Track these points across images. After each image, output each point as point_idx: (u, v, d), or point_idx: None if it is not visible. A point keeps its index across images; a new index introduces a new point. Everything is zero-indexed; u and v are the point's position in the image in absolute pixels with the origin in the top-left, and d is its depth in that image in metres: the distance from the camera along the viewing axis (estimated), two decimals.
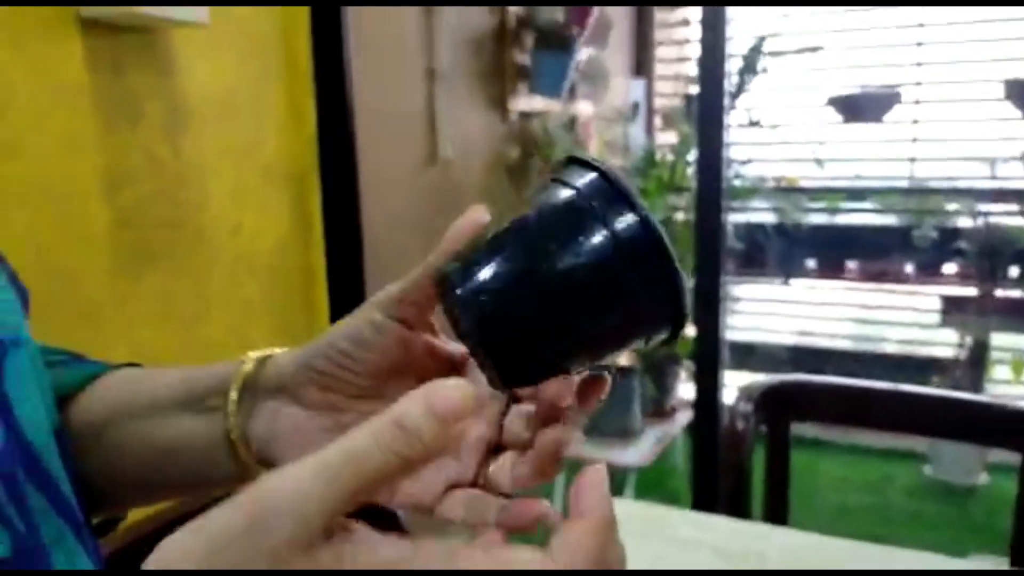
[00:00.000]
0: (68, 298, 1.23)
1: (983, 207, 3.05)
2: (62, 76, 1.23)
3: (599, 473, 0.30)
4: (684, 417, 2.93)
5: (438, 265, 0.35)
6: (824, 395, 1.29)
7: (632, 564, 0.31)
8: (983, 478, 2.94)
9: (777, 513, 1.17)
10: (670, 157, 2.92)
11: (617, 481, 2.48)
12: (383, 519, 0.50)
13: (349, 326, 0.41)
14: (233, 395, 0.43)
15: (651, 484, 2.74)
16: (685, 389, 3.08)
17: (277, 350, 0.45)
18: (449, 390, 0.27)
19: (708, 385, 1.75)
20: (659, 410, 2.97)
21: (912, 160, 3.19)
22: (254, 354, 0.44)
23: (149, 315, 1.40)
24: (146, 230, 1.39)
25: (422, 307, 0.40)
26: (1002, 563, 1.83)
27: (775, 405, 1.24)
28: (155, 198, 1.41)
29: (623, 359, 3.12)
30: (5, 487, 0.35)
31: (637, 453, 2.54)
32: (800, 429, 1.24)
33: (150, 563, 0.26)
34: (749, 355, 3.57)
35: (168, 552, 0.26)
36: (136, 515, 0.70)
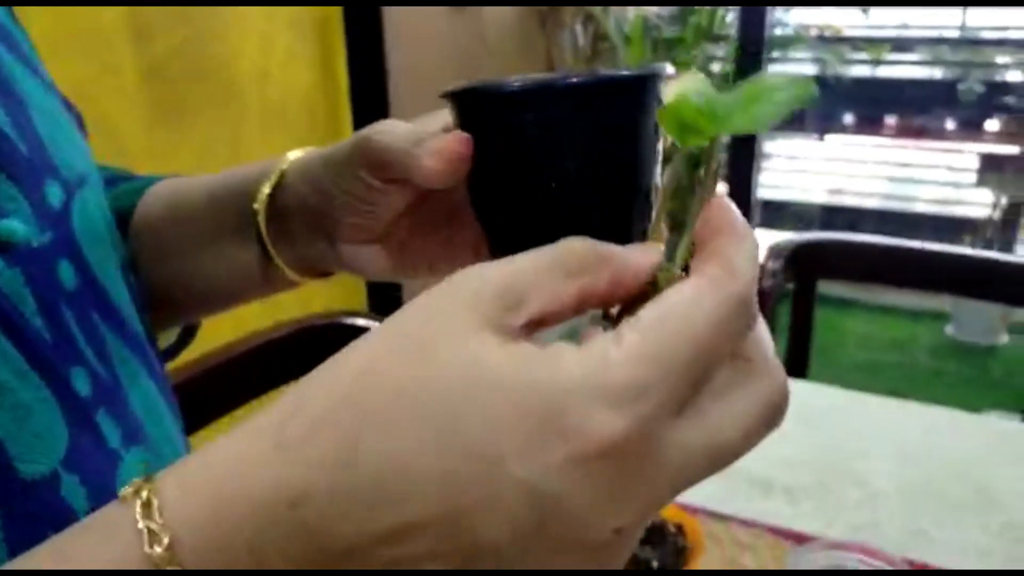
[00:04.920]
0: (107, 148, 1.24)
1: None
2: None
3: (725, 199, 0.26)
4: None
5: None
6: (851, 253, 1.30)
7: None
8: (1004, 338, 2.97)
9: (799, 369, 1.20)
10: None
11: None
12: None
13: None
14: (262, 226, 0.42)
15: None
16: None
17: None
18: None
19: None
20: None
21: (964, 7, 3.01)
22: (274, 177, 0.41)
23: (185, 165, 1.41)
24: (177, 79, 1.38)
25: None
26: (1014, 418, 1.89)
27: (803, 263, 1.25)
28: (184, 48, 1.38)
29: None
30: (81, 328, 0.36)
31: None
32: (826, 287, 1.25)
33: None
34: (779, 213, 3.54)
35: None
36: (203, 348, 0.73)
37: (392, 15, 1.77)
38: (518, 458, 0.21)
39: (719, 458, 0.23)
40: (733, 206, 0.26)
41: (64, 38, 1.17)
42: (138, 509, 0.22)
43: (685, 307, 0.23)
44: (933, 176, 3.35)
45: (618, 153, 0.29)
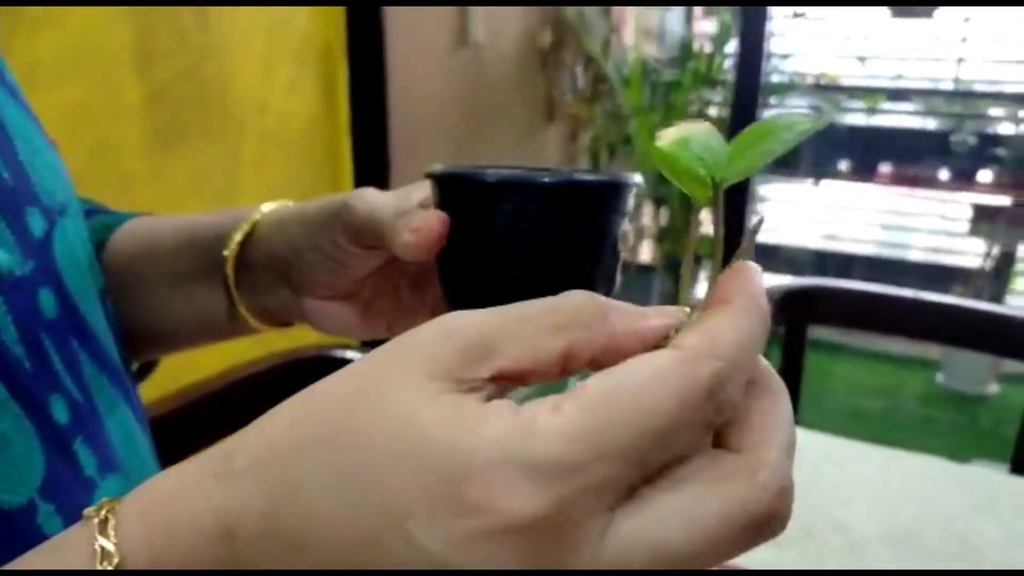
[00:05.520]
0: (106, 170, 1.25)
1: None
2: None
3: (750, 266, 0.24)
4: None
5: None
6: (843, 299, 1.30)
7: None
8: (993, 387, 2.97)
9: None
10: (708, 49, 2.83)
11: None
12: None
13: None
14: (230, 273, 0.42)
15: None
16: (704, 289, 3.10)
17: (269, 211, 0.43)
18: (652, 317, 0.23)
19: None
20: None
21: (959, 61, 3.06)
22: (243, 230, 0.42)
23: (182, 189, 1.42)
24: (178, 105, 1.39)
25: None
26: (1001, 468, 1.88)
27: (794, 307, 1.25)
28: (187, 74, 1.40)
29: (643, 256, 3.13)
30: (61, 356, 0.37)
31: None
32: (816, 332, 1.26)
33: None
34: (773, 257, 3.56)
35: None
36: (192, 376, 0.73)
37: (395, 50, 1.79)
38: (424, 524, 0.19)
39: (664, 560, 0.19)
40: (751, 273, 0.23)
41: (69, 61, 1.18)
42: (96, 527, 0.23)
43: (643, 380, 0.20)
44: (926, 224, 3.38)
45: (584, 249, 0.31)
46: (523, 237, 0.31)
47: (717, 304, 0.22)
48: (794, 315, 1.25)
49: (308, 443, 0.21)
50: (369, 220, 0.35)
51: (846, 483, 0.88)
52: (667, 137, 0.26)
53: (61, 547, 0.24)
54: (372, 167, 1.83)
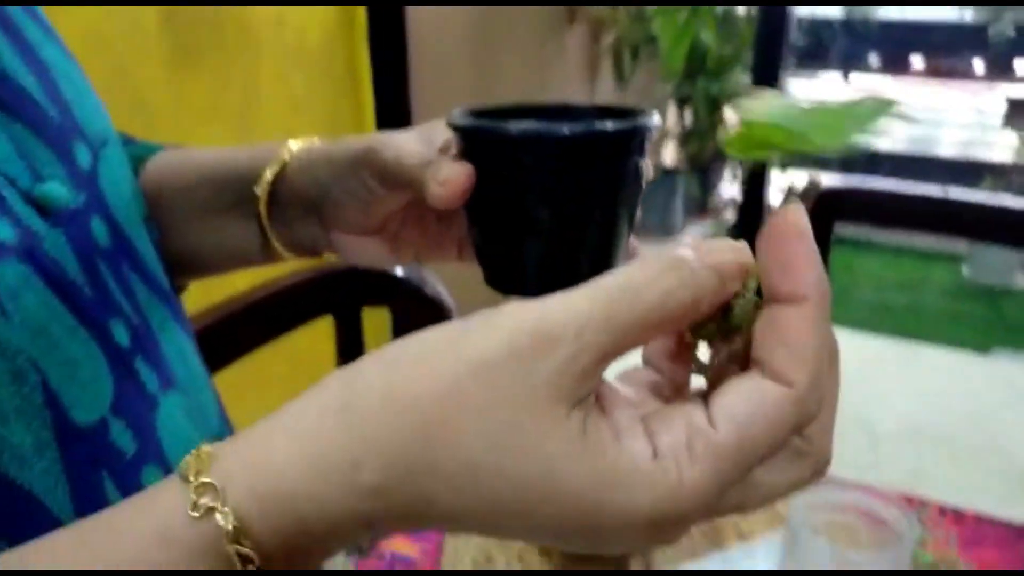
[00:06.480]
0: (124, 91, 1.25)
1: None
2: None
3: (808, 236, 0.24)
4: (728, 216, 2.93)
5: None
6: (870, 199, 1.30)
7: None
8: (1020, 279, 2.95)
9: None
10: None
11: None
12: None
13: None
14: (263, 210, 0.44)
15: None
16: (730, 188, 3.07)
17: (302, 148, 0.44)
18: (726, 252, 0.24)
19: (755, 184, 1.75)
20: (702, 208, 2.97)
21: None
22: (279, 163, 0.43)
23: (202, 109, 1.42)
24: (194, 24, 1.38)
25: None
26: (1020, 356, 1.89)
27: (820, 208, 1.25)
28: None
29: (667, 158, 3.09)
30: (117, 282, 0.39)
31: None
32: (842, 227, 1.26)
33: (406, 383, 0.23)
34: (798, 155, 3.49)
35: (420, 379, 0.23)
36: (224, 292, 0.75)
37: None
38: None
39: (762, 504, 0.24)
40: (814, 253, 0.24)
41: None
42: (227, 532, 0.22)
43: (761, 432, 0.22)
44: (959, 118, 3.30)
45: (607, 190, 0.33)
46: (545, 185, 0.32)
47: (797, 301, 0.23)
48: (820, 216, 1.25)
49: (452, 465, 0.22)
50: (396, 166, 0.37)
51: (871, 380, 0.90)
52: (753, 113, 0.25)
53: (185, 547, 0.23)
54: (391, 76, 1.81)
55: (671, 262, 0.23)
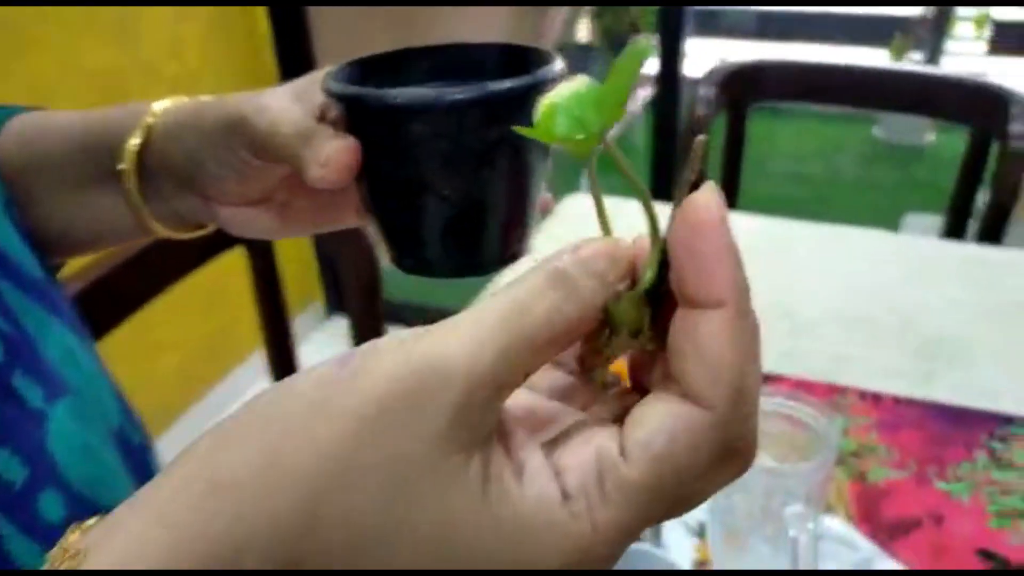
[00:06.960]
0: None
1: None
2: None
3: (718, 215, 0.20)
4: (644, 93, 2.89)
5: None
6: (783, 74, 1.31)
7: None
8: (930, 138, 3.03)
9: (729, 196, 1.22)
10: None
11: None
12: None
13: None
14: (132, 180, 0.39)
15: (609, 166, 2.78)
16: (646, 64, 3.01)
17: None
18: (600, 258, 0.21)
19: (671, 57, 1.72)
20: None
21: None
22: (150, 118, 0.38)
23: (75, 22, 1.30)
24: None
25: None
26: (936, 221, 1.96)
27: (735, 87, 1.25)
28: None
29: (582, 34, 3.01)
30: None
31: None
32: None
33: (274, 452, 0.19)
34: (713, 20, 3.45)
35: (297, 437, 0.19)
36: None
37: None
38: None
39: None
40: (733, 254, 0.20)
41: None
42: None
43: (684, 466, 0.20)
44: None
45: (509, 151, 0.30)
46: (442, 155, 0.29)
47: (714, 306, 0.20)
48: (736, 95, 1.24)
49: (337, 544, 0.20)
50: (270, 138, 0.33)
51: (789, 265, 0.91)
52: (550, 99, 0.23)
53: None
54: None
55: (552, 276, 0.21)
